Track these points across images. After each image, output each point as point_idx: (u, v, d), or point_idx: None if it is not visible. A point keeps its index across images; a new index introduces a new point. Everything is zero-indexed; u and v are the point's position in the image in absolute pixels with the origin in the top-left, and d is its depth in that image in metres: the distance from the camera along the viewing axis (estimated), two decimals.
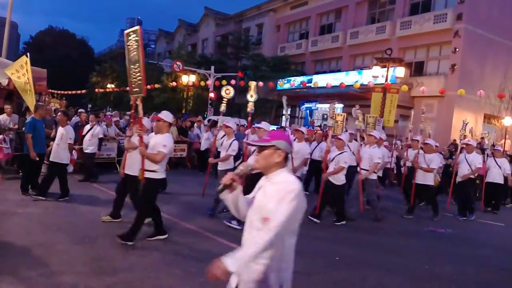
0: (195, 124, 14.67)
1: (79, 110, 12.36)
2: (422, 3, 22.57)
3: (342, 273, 4.97)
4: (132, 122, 6.44)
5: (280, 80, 26.66)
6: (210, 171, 8.51)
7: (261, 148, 2.30)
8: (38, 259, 4.41)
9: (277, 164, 2.26)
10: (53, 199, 7.11)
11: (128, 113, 13.35)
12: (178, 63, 22.97)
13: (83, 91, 34.11)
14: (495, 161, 10.32)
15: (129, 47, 5.34)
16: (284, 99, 9.58)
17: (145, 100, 28.30)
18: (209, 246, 5.42)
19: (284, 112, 9.51)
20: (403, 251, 6.19)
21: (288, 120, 9.44)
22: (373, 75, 18.26)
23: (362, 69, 23.55)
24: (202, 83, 21.96)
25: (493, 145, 12.10)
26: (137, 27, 5.36)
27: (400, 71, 18.44)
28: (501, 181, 10.28)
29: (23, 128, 7.90)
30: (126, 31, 5.38)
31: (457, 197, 9.88)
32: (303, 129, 8.69)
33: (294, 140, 8.24)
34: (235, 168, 6.67)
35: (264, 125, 6.66)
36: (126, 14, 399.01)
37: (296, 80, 25.53)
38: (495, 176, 10.24)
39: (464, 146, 9.50)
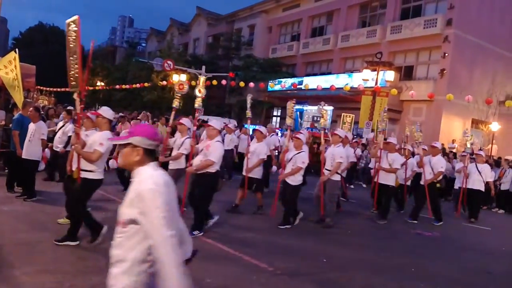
0: None
1: (68, 108, 12.21)
2: (412, 8, 22.84)
3: (329, 274, 4.99)
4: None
5: (271, 81, 26.74)
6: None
7: (122, 146, 2.15)
8: (22, 257, 4.34)
9: (138, 162, 2.11)
10: (39, 197, 6.99)
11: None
12: (169, 62, 22.85)
13: None
14: (476, 166, 9.76)
15: (69, 38, 5.00)
16: (248, 97, 8.86)
17: (135, 98, 28.06)
18: (194, 245, 5.36)
19: (247, 111, 8.94)
20: (390, 253, 6.23)
21: (250, 119, 9.10)
22: (363, 78, 18.45)
23: (352, 72, 23.76)
24: (193, 83, 21.87)
25: (480, 149, 12.15)
26: (75, 17, 4.96)
27: (390, 75, 18.64)
28: (481, 188, 9.68)
29: (10, 125, 7.76)
30: (67, 21, 5.04)
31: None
32: (262, 129, 8.29)
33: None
34: (186, 168, 6.44)
35: (213, 123, 6.27)
36: (117, 12, 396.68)
37: (287, 82, 25.66)
38: (474, 182, 9.67)
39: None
